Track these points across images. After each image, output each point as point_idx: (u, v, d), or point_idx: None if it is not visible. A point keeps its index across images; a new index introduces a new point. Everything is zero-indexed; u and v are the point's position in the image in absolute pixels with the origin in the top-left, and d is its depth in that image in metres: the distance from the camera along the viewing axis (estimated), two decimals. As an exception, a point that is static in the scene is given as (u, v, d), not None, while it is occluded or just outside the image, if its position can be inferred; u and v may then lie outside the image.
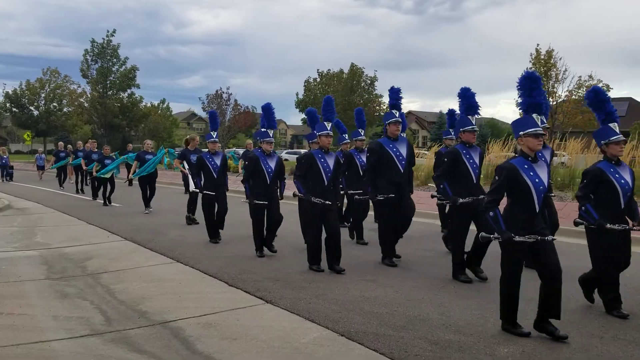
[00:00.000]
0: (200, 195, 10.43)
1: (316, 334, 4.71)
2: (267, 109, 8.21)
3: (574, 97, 33.87)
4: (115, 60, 48.45)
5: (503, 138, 19.31)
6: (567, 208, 10.53)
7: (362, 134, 9.41)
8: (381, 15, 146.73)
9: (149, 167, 13.00)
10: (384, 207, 7.26)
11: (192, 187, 10.79)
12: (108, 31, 49.05)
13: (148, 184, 13.23)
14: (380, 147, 7.31)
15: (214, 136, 9.54)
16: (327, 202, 6.89)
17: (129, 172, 20.80)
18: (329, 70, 49.90)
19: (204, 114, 62.46)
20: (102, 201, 15.00)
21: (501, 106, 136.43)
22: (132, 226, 10.93)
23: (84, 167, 17.43)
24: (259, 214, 7.94)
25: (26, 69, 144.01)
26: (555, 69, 33.90)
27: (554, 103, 34.44)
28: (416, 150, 23.73)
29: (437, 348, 4.33)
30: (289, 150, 50.74)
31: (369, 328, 4.81)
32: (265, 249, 8.07)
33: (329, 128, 7.16)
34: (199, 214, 10.96)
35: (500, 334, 4.65)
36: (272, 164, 8.00)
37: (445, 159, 6.76)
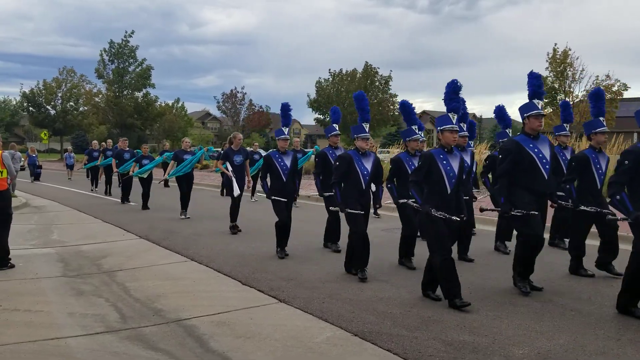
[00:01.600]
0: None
1: (329, 334, 4.70)
2: (361, 98, 7.14)
3: (591, 96, 33.52)
4: (132, 60, 48.85)
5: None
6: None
7: (465, 129, 8.04)
8: (396, 15, 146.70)
9: (185, 167, 11.97)
10: (520, 224, 5.82)
11: (236, 191, 9.82)
12: (127, 32, 49.52)
13: (185, 185, 12.20)
14: (517, 146, 5.83)
15: (286, 132, 8.20)
16: (454, 217, 5.46)
17: (165, 172, 20.39)
18: (341, 70, 49.79)
19: (218, 114, 62.88)
20: (142, 204, 13.96)
21: (517, 106, 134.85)
22: (147, 225, 11.01)
23: (115, 169, 15.62)
24: (359, 224, 6.63)
25: (42, 69, 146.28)
26: (571, 69, 33.62)
27: (571, 103, 34.12)
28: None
29: (451, 349, 4.31)
30: (304, 150, 50.70)
31: (382, 328, 4.80)
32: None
33: (454, 121, 5.67)
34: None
35: (515, 335, 4.61)
36: (368, 165, 6.75)
37: (627, 161, 5.26)
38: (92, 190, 19.08)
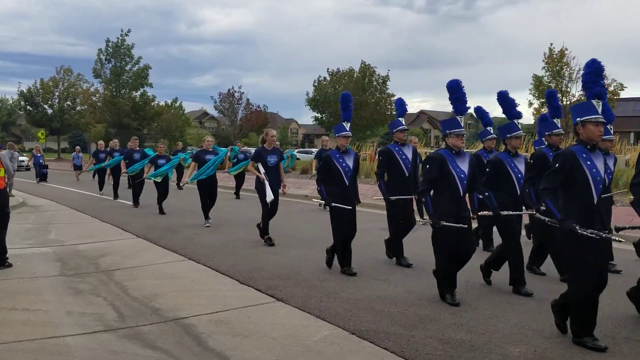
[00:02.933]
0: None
1: (327, 332, 4.72)
2: (457, 87, 5.77)
3: (587, 96, 33.58)
4: (128, 59, 48.75)
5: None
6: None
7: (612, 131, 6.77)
8: (394, 14, 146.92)
9: (208, 169, 10.68)
10: None
11: (269, 197, 8.54)
12: (122, 30, 49.39)
13: (209, 191, 10.92)
14: None
15: (347, 128, 7.00)
16: (612, 236, 4.34)
17: (179, 174, 18.48)
18: (338, 69, 49.77)
19: (216, 113, 62.64)
20: (158, 210, 12.73)
21: (519, 107, 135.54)
22: (145, 224, 11.01)
23: (124, 169, 14.47)
24: (448, 240, 5.48)
25: (40, 68, 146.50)
26: (568, 68, 33.70)
27: (568, 103, 34.22)
28: (424, 150, 23.46)
29: (448, 347, 4.33)
30: (301, 150, 50.73)
31: (380, 327, 4.81)
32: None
33: (599, 110, 4.47)
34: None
35: (512, 333, 4.63)
36: (465, 166, 5.52)
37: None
38: (100, 193, 17.56)
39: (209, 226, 10.59)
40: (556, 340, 4.47)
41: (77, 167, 25.12)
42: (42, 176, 23.80)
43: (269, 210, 8.74)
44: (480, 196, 6.18)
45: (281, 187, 8.92)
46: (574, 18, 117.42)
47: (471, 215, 5.82)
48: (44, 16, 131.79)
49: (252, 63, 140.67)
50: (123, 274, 6.84)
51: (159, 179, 12.78)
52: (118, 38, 48.06)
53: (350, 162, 6.92)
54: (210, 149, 11.28)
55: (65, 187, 20.78)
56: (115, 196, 16.03)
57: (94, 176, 18.81)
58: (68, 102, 52.46)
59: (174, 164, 13.39)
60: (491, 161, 6.33)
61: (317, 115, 50.31)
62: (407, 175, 7.30)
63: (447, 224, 5.33)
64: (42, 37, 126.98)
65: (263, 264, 7.30)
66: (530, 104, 35.32)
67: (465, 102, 5.75)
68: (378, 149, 13.56)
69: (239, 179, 16.76)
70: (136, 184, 14.21)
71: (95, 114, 51.02)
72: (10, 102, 67.77)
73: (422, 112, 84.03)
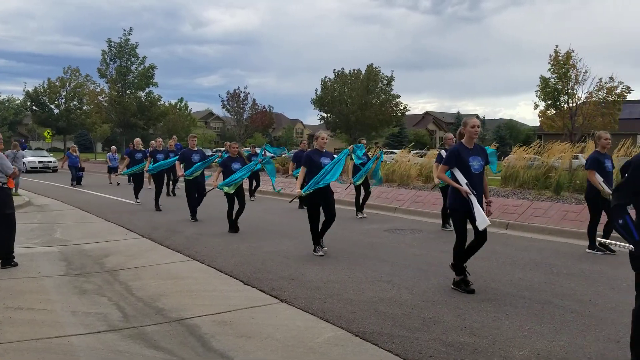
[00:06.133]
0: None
1: (330, 334, 4.73)
2: None
3: (594, 98, 33.55)
4: (133, 59, 48.86)
5: (522, 139, 19.19)
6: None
7: None
8: (399, 15, 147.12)
9: (327, 175, 7.85)
10: None
11: (482, 223, 5.74)
12: (124, 30, 49.50)
13: (324, 204, 7.95)
14: None
15: None
16: None
17: (253, 180, 16.01)
18: (342, 69, 49.80)
19: (221, 113, 62.83)
20: (229, 227, 10.19)
21: (520, 107, 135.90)
22: (149, 224, 11.05)
23: (180, 172, 11.94)
24: None
25: (46, 68, 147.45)
26: (574, 70, 33.59)
27: (574, 105, 34.14)
28: (431, 150, 23.39)
29: (452, 350, 4.33)
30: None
31: (383, 329, 4.82)
32: None
33: None
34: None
35: (515, 336, 4.63)
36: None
37: None
38: (137, 202, 15.18)
39: (322, 255, 7.96)
40: (559, 343, 4.47)
41: (113, 169, 22.50)
42: (77, 179, 21.84)
43: (470, 238, 6.05)
44: None
45: (485, 205, 6.06)
46: (579, 19, 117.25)
47: None
48: (49, 16, 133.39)
49: (258, 63, 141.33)
50: (127, 273, 6.87)
51: (232, 190, 9.97)
52: (121, 38, 48.08)
53: None
54: (324, 150, 8.17)
55: (102, 194, 18.56)
56: (157, 207, 13.60)
57: (129, 180, 16.16)
58: (74, 102, 52.66)
59: (250, 168, 10.47)
60: None
61: (322, 114, 50.32)
62: None
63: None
64: (48, 37, 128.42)
65: (267, 265, 7.32)
66: (536, 105, 35.29)
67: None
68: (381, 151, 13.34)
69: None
70: (200, 194, 11.89)
71: (101, 113, 51.20)
72: (17, 101, 68.18)
73: (427, 114, 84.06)
